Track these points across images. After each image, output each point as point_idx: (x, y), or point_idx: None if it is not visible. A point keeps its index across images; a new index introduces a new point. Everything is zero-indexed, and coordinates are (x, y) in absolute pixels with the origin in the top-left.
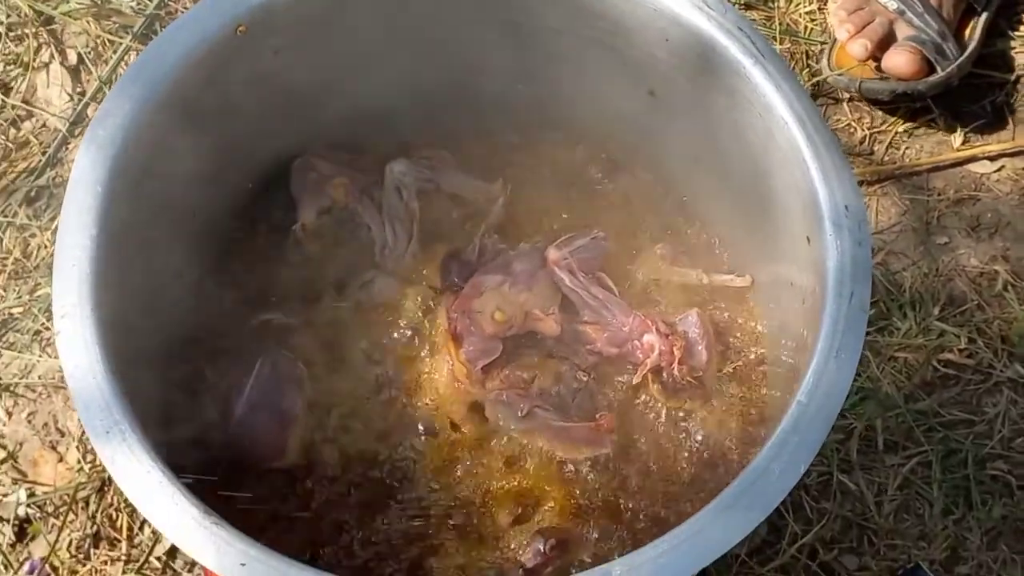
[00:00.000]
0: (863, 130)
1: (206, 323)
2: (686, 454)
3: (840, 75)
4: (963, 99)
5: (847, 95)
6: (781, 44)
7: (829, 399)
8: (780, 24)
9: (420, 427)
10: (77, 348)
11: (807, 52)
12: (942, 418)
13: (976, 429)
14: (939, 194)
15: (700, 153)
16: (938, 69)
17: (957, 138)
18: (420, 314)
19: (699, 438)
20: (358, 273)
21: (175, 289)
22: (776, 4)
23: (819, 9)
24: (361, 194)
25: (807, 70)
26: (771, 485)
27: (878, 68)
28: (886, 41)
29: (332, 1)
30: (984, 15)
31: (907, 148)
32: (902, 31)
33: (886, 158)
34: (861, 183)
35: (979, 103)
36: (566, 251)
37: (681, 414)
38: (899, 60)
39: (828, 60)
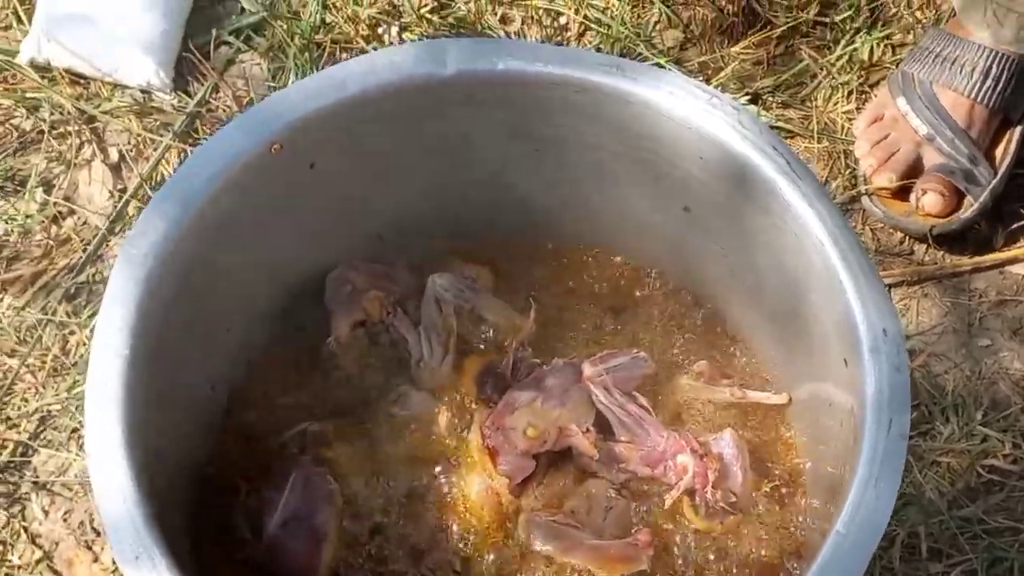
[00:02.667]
0: None
1: (238, 439)
2: None
3: (876, 207)
4: (1005, 199)
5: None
6: (819, 143)
7: (868, 529)
8: (817, 123)
9: (454, 545)
10: (107, 468)
11: (845, 151)
12: (987, 525)
13: (1022, 537)
14: (981, 296)
15: (736, 270)
16: (969, 197)
17: (999, 239)
18: (454, 429)
19: (734, 562)
20: (392, 387)
21: (207, 405)
22: (814, 103)
23: (857, 109)
24: (395, 307)
25: (848, 170)
26: None
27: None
28: (914, 169)
29: (366, 117)
30: (1020, 127)
31: (948, 249)
32: (930, 158)
33: (926, 259)
34: (901, 283)
35: (1021, 203)
36: (602, 367)
37: (716, 538)
38: (928, 202)
39: (867, 185)
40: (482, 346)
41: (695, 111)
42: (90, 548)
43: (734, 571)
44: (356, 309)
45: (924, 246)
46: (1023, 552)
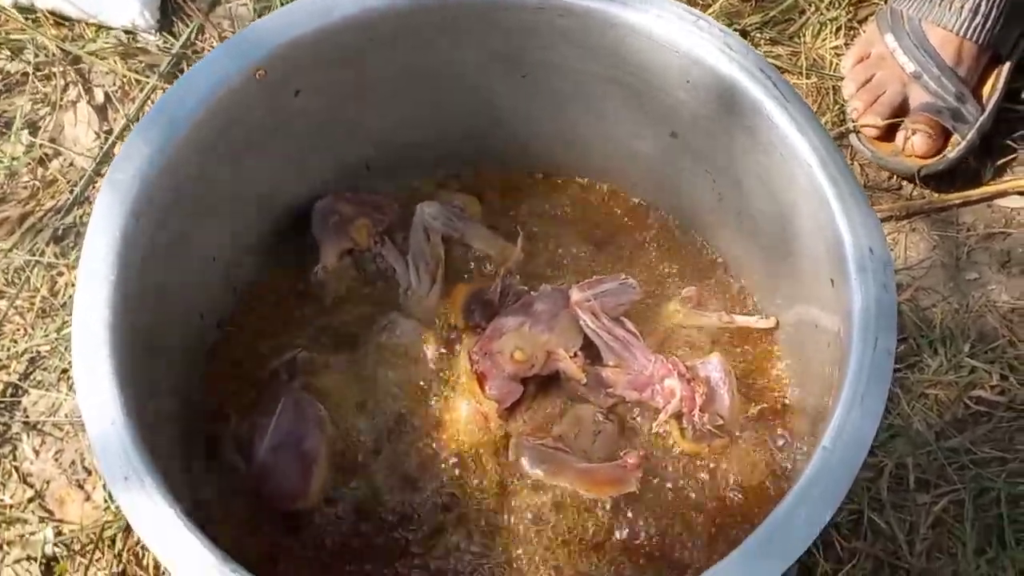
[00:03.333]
0: None
1: (226, 367)
2: (708, 500)
3: (864, 147)
4: (993, 133)
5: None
6: (807, 79)
7: (854, 446)
8: (806, 59)
9: (443, 470)
10: (95, 393)
11: (834, 87)
12: (974, 456)
13: (1009, 467)
14: (969, 229)
15: (724, 195)
16: (956, 136)
17: (987, 172)
18: (442, 356)
19: (721, 484)
20: (380, 315)
21: (196, 333)
22: (802, 39)
23: (845, 44)
24: (383, 236)
25: (837, 107)
26: (795, 533)
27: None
28: (901, 109)
29: (350, 44)
30: (1008, 63)
31: (936, 183)
32: (916, 96)
33: (915, 193)
34: (890, 218)
35: (1009, 137)
36: (589, 293)
37: (703, 460)
38: (915, 143)
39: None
40: (469, 274)
41: (682, 34)
42: (81, 487)
43: (721, 493)
44: (344, 238)
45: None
46: (1010, 482)
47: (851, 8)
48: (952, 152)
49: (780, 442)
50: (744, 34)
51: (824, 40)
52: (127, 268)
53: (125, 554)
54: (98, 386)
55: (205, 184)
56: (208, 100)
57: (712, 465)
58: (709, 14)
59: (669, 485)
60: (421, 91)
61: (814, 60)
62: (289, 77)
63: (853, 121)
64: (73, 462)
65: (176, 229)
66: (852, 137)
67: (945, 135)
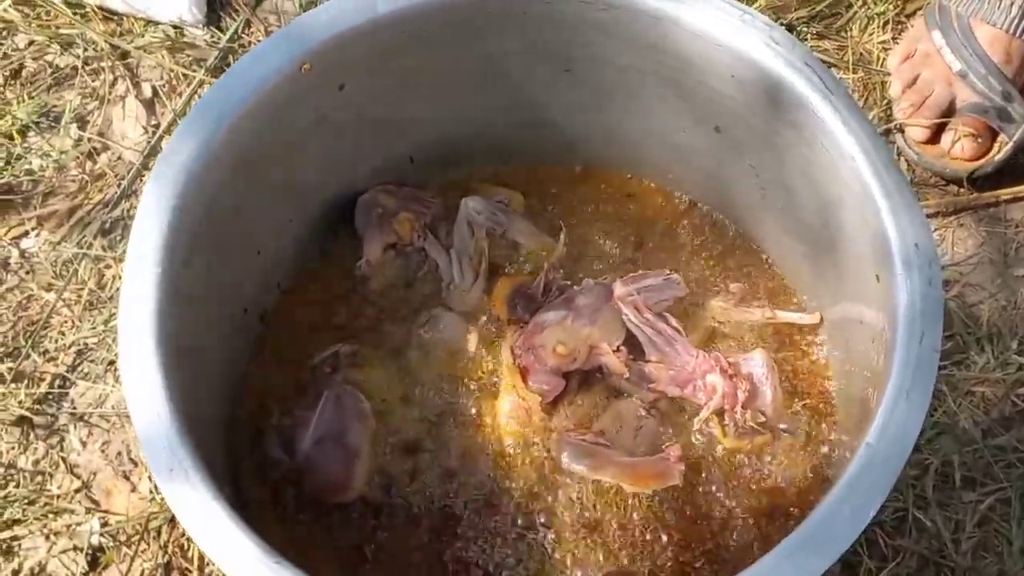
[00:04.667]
0: None
1: (270, 361)
2: (750, 496)
3: (911, 150)
4: None
5: None
6: (854, 74)
7: (899, 441)
8: (853, 54)
9: (485, 464)
10: (141, 385)
11: (882, 83)
12: (1021, 454)
13: None
14: (1017, 226)
15: (768, 190)
16: (1003, 136)
17: None
18: (485, 350)
19: (765, 480)
20: (423, 309)
21: (239, 326)
22: (849, 34)
23: (893, 39)
24: (426, 230)
25: (884, 102)
26: (839, 529)
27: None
28: (948, 110)
29: (395, 39)
30: None
31: (984, 179)
32: (963, 96)
33: (962, 189)
34: (936, 215)
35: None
36: (633, 287)
37: (746, 456)
38: (963, 146)
39: (899, 123)
40: (513, 268)
41: (725, 28)
42: (127, 478)
43: (764, 488)
44: (387, 231)
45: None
46: None
47: (899, 2)
48: (999, 154)
49: (824, 438)
50: (790, 28)
51: (871, 35)
52: (173, 260)
53: (170, 545)
54: (144, 378)
55: (250, 177)
56: (255, 94)
57: (755, 461)
58: (755, 8)
59: (712, 480)
60: (465, 85)
61: (861, 55)
62: (335, 71)
63: (900, 121)
64: (119, 453)
65: (221, 222)
66: (899, 139)
67: (992, 135)
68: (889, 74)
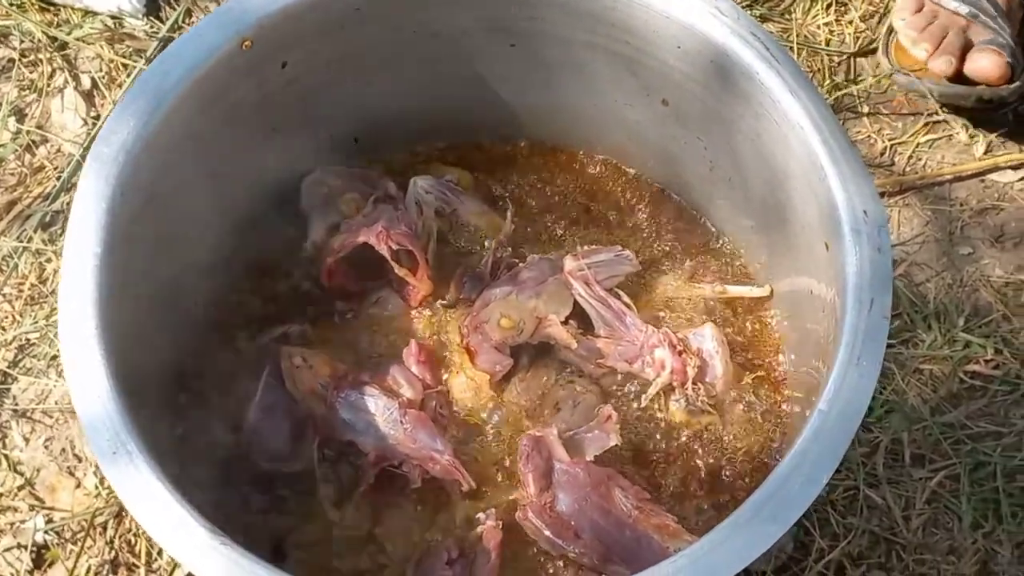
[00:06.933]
0: (883, 141)
1: (218, 342)
2: (704, 469)
3: (906, 74)
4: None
5: (867, 109)
6: (799, 56)
7: (850, 408)
8: (798, 36)
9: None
10: (82, 367)
11: (828, 67)
12: (969, 430)
13: (1004, 441)
14: (962, 204)
15: (717, 163)
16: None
17: (979, 147)
18: (433, 329)
19: (718, 453)
20: (372, 291)
21: (184, 307)
22: (793, 16)
23: (836, 20)
24: (376, 208)
25: (829, 82)
26: (791, 497)
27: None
28: (965, 50)
29: (337, 13)
30: None
31: (929, 159)
32: (977, 35)
33: (907, 169)
34: (883, 194)
35: (1001, 111)
36: (584, 262)
37: (697, 431)
38: (985, 63)
39: (888, 58)
40: (462, 248)
41: None
42: (72, 474)
43: (718, 462)
44: (333, 211)
45: (905, 156)
46: (1005, 456)
47: None
48: (1014, 83)
49: (774, 410)
50: None
51: (815, 17)
52: (113, 243)
53: (117, 540)
54: (85, 360)
55: (191, 158)
56: (193, 72)
57: (707, 435)
58: None
59: (660, 455)
60: (410, 62)
61: (806, 36)
62: (276, 48)
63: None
64: (63, 449)
65: (163, 204)
66: (885, 63)
67: (1011, 73)
68: (836, 53)
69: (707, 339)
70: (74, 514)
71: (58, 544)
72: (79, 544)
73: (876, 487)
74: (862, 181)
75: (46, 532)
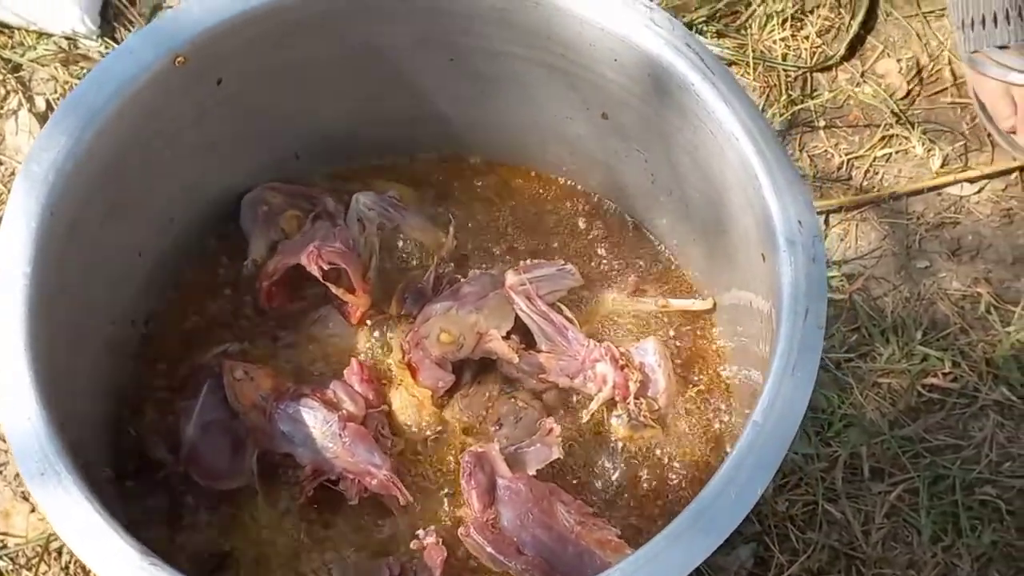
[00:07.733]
0: (840, 156)
1: (156, 363)
2: (648, 483)
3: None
4: (941, 122)
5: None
6: (755, 71)
7: (786, 418)
8: (754, 51)
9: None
10: (10, 388)
11: (785, 82)
12: (928, 444)
13: (963, 454)
14: (919, 218)
15: (657, 176)
16: None
17: (936, 161)
18: (376, 347)
19: (662, 465)
20: (312, 309)
21: (122, 326)
22: (749, 31)
23: (792, 36)
24: (313, 225)
25: (785, 97)
26: (727, 507)
27: None
28: None
29: (273, 29)
30: None
31: (885, 173)
32: None
33: (865, 184)
34: (840, 209)
35: (957, 126)
36: (525, 276)
37: (641, 445)
38: None
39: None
40: (404, 264)
41: (606, 11)
42: (27, 499)
43: (661, 474)
44: (273, 229)
45: (862, 170)
46: (964, 469)
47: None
48: None
49: (718, 422)
50: (690, 27)
51: (771, 32)
52: (44, 263)
53: (72, 566)
54: (13, 381)
55: (125, 176)
56: (125, 89)
57: (650, 450)
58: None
59: (607, 470)
60: (348, 77)
61: (762, 51)
62: (211, 64)
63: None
64: (17, 475)
65: (96, 223)
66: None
67: None
68: (790, 69)
69: (649, 353)
70: (28, 539)
71: (12, 570)
72: (33, 570)
73: (835, 502)
74: (797, 191)
75: (0, 558)
